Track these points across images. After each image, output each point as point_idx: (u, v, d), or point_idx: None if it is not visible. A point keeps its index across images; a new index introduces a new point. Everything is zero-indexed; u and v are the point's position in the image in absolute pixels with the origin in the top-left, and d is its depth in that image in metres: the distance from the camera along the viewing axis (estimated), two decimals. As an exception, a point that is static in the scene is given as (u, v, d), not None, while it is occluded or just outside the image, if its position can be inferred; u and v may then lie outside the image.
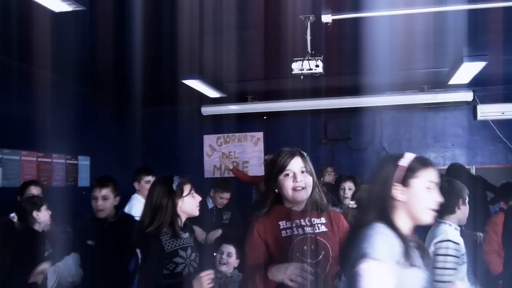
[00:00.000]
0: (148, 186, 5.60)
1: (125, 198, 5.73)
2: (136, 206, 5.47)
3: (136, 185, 5.73)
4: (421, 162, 2.23)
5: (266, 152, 9.28)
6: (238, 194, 7.03)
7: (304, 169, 2.70)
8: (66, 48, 5.73)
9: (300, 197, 2.67)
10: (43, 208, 4.74)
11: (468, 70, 6.80)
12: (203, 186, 8.76)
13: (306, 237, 2.61)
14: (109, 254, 4.12)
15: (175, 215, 3.20)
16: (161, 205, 3.17)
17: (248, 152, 9.69)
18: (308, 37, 5.05)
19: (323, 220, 2.73)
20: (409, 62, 6.82)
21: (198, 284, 2.97)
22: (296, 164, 2.69)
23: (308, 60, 4.99)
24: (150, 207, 3.21)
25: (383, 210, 2.13)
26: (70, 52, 5.87)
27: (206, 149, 9.88)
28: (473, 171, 8.65)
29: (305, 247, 2.58)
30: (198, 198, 3.40)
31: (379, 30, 5.24)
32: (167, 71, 6.59)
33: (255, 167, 9.36)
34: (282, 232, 2.64)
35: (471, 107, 8.81)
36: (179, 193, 3.24)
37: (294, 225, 2.66)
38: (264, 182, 2.89)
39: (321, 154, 9.11)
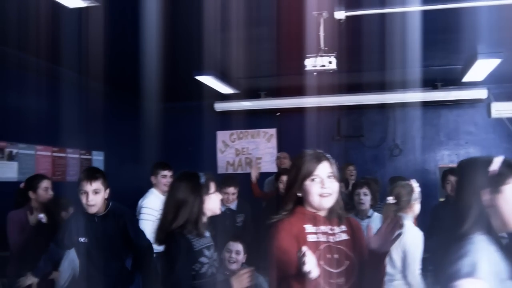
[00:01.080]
0: (164, 180, 5.70)
1: (138, 194, 5.79)
2: (150, 199, 5.60)
3: (152, 179, 5.75)
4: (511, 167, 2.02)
5: (279, 148, 9.30)
6: (250, 197, 6.98)
7: (331, 174, 2.56)
8: (81, 44, 5.76)
9: (327, 204, 2.54)
10: (71, 208, 4.95)
11: (483, 67, 6.77)
12: (216, 183, 8.86)
13: (330, 246, 2.48)
14: (104, 251, 3.97)
15: (201, 212, 3.07)
16: (187, 201, 3.04)
17: (261, 149, 9.71)
18: (321, 34, 5.06)
19: (343, 227, 2.60)
20: (422, 59, 6.78)
21: (238, 282, 2.92)
22: (323, 169, 2.55)
23: (321, 56, 4.99)
24: (174, 203, 3.07)
25: (479, 221, 1.98)
26: (84, 48, 5.91)
27: (219, 145, 9.91)
28: (487, 169, 8.60)
29: (330, 256, 2.44)
30: (220, 196, 3.33)
31: (392, 27, 5.24)
32: (181, 67, 6.61)
33: (268, 164, 9.38)
34: (308, 236, 2.49)
35: (485, 104, 8.75)
36: (206, 190, 3.14)
37: (319, 231, 2.52)
38: (286, 186, 2.69)
39: (334, 151, 8.89)
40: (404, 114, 9.14)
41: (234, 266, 4.40)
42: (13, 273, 4.87)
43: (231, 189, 6.09)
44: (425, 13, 4.90)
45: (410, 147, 9.12)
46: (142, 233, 4.27)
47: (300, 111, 9.14)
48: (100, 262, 3.95)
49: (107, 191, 4.09)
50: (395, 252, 4.10)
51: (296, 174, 2.59)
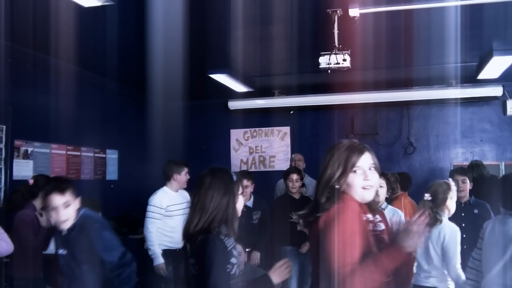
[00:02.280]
0: (185, 178, 5.82)
1: (152, 192, 5.82)
2: (156, 197, 5.73)
3: (176, 176, 5.82)
4: None
5: (293, 146, 9.31)
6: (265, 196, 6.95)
7: (373, 165, 2.51)
8: (95, 42, 5.80)
9: (369, 196, 2.49)
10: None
11: (498, 65, 6.72)
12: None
13: (380, 235, 2.46)
14: (82, 264, 3.56)
15: (234, 212, 2.89)
16: (221, 200, 2.84)
17: (275, 147, 9.70)
18: (336, 31, 5.05)
19: (378, 218, 2.57)
20: (437, 56, 6.76)
21: (276, 275, 2.87)
22: (365, 161, 2.49)
23: (336, 54, 4.99)
24: (207, 201, 2.84)
25: None
26: (99, 47, 5.94)
27: (233, 143, 9.92)
28: (502, 168, 8.56)
29: (380, 245, 2.38)
30: (243, 200, 3.15)
31: (406, 24, 5.22)
32: (195, 65, 6.61)
33: (282, 162, 9.38)
34: (365, 223, 2.43)
35: (501, 102, 8.69)
36: (237, 189, 2.96)
37: (368, 218, 2.47)
38: (323, 179, 2.55)
39: (348, 149, 9.07)
40: (419, 111, 9.10)
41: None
42: (23, 277, 4.89)
43: (244, 181, 5.83)
44: (440, 10, 4.88)
45: (424, 145, 9.08)
46: (113, 248, 3.65)
47: (314, 109, 9.15)
48: (80, 275, 3.58)
49: (78, 200, 3.64)
50: (432, 249, 4.18)
51: (337, 166, 2.51)
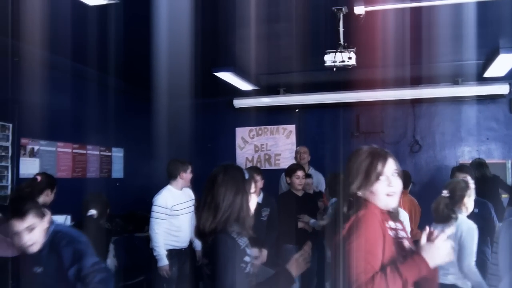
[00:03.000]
0: (190, 176, 5.80)
1: (157, 190, 5.81)
2: (161, 196, 5.68)
3: (182, 174, 5.81)
4: None
5: (298, 144, 9.27)
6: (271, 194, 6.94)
7: (396, 171, 2.45)
8: (101, 41, 5.80)
9: (393, 203, 2.44)
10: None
11: (505, 62, 6.71)
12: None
13: (402, 242, 2.40)
14: (58, 282, 3.23)
15: (247, 210, 2.83)
16: (234, 198, 2.77)
17: (280, 145, 9.70)
18: (341, 29, 5.04)
19: (399, 225, 2.51)
20: (443, 54, 6.74)
21: (295, 268, 2.80)
22: (389, 167, 2.43)
23: (341, 52, 4.98)
24: (218, 200, 2.76)
25: None
26: (104, 46, 5.95)
27: (238, 141, 9.92)
28: (508, 166, 8.54)
29: (403, 252, 2.34)
30: (256, 198, 3.06)
31: (412, 22, 5.21)
32: (200, 64, 6.62)
33: (287, 160, 9.36)
34: (388, 231, 2.37)
35: (507, 100, 8.65)
36: (249, 188, 2.88)
37: (390, 226, 2.42)
38: (347, 187, 2.47)
39: (354, 147, 8.98)
40: (424, 109, 9.08)
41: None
42: None
43: (256, 177, 5.64)
44: (446, 8, 4.87)
45: (430, 143, 9.06)
46: (84, 258, 3.22)
47: (320, 107, 9.14)
48: None
49: (47, 218, 3.22)
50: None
51: (360, 174, 2.43)
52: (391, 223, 2.42)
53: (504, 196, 6.87)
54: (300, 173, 6.23)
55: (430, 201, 4.43)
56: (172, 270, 5.62)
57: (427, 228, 2.35)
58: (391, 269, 2.19)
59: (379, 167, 2.41)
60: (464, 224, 4.19)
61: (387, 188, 2.40)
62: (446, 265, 4.09)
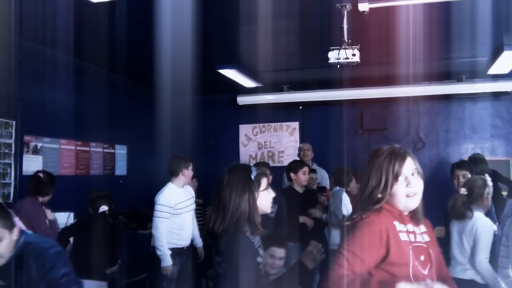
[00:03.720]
0: (192, 173, 5.76)
1: (161, 188, 5.79)
2: (164, 195, 5.59)
3: (184, 171, 5.73)
4: None
5: (302, 142, 9.26)
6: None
7: (415, 171, 2.36)
8: (104, 38, 5.79)
9: (413, 204, 2.35)
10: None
11: (509, 59, 6.65)
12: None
13: (421, 246, 2.30)
14: None
15: (255, 210, 2.83)
16: (240, 198, 2.79)
17: (284, 142, 9.70)
18: (345, 26, 5.02)
19: (423, 228, 2.41)
20: (447, 51, 6.72)
21: (309, 260, 2.79)
22: (408, 167, 2.34)
23: (345, 49, 4.96)
24: (225, 198, 2.80)
25: None
26: (108, 43, 5.94)
27: (242, 138, 9.92)
28: (512, 163, 8.53)
29: (422, 257, 2.27)
30: (272, 194, 3.06)
31: (416, 19, 5.18)
32: (204, 60, 6.61)
33: (291, 157, 9.32)
34: (400, 234, 2.28)
35: (511, 97, 8.63)
36: (256, 186, 2.89)
37: (407, 229, 2.33)
38: (366, 189, 2.39)
39: (357, 145, 9.06)
40: (428, 107, 9.06)
41: (273, 271, 4.04)
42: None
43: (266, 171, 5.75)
44: (450, 4, 4.85)
45: (433, 141, 9.04)
46: (54, 270, 2.86)
47: (323, 104, 9.12)
48: None
49: (15, 230, 2.85)
50: (466, 242, 4.25)
51: (379, 177, 2.35)
52: (410, 226, 2.34)
53: (504, 193, 6.84)
54: (306, 169, 6.22)
55: (433, 199, 4.40)
56: (173, 269, 5.57)
57: None
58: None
59: (397, 167, 2.33)
60: (480, 221, 4.23)
61: (406, 189, 2.32)
62: (464, 261, 4.23)
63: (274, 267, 4.02)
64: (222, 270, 2.70)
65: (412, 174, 2.34)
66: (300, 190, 6.26)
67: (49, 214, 5.18)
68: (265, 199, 2.95)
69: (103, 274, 5.00)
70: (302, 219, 6.18)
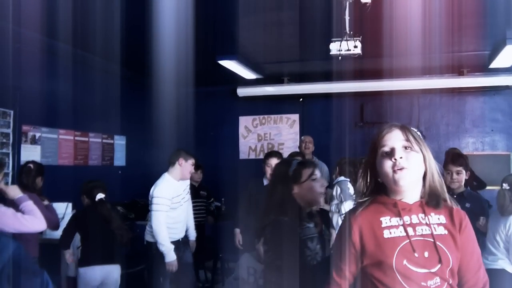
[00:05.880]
0: (191, 168, 5.59)
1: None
2: (161, 187, 5.41)
3: (181, 161, 5.52)
4: None
5: (302, 134, 9.23)
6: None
7: (406, 143, 2.05)
8: (102, 28, 5.75)
9: (401, 181, 1.99)
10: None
11: (511, 53, 6.62)
12: (238, 168, 8.86)
13: (419, 240, 1.98)
14: None
15: (289, 201, 2.91)
16: (278, 189, 2.96)
17: (284, 134, 9.67)
18: (347, 17, 4.98)
19: (442, 219, 2.05)
20: (449, 44, 6.68)
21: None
22: (395, 138, 2.06)
23: (347, 40, 4.92)
24: (272, 193, 2.99)
25: None
26: (106, 32, 5.90)
27: (242, 130, 9.89)
28: (513, 157, 8.52)
29: (416, 254, 1.95)
30: (322, 184, 3.04)
31: (418, 11, 5.15)
32: (204, 51, 6.58)
33: (290, 149, 9.29)
34: (384, 231, 2.01)
35: (512, 91, 8.61)
36: (297, 178, 2.97)
37: (401, 222, 2.01)
38: (363, 167, 2.17)
39: (358, 137, 9.03)
40: (429, 100, 9.03)
41: None
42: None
43: (274, 160, 5.47)
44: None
45: (434, 134, 9.01)
46: None
47: (324, 96, 9.09)
48: None
49: None
50: (498, 235, 4.38)
51: (369, 151, 2.14)
52: (408, 218, 2.02)
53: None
54: (273, 161, 5.85)
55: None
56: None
57: None
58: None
59: (381, 137, 2.08)
60: None
61: (391, 161, 2.02)
62: (496, 251, 4.39)
63: None
64: (269, 259, 2.81)
65: (403, 147, 2.05)
66: None
67: (44, 201, 5.18)
68: (307, 189, 2.99)
69: (117, 258, 5.09)
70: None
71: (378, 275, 1.99)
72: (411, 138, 2.08)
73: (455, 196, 4.80)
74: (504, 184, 4.40)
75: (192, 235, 5.96)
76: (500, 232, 4.34)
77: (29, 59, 6.21)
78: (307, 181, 2.98)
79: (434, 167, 2.10)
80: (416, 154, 2.06)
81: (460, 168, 4.93)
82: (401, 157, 2.01)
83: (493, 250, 4.40)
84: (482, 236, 4.54)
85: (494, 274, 4.18)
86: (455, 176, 4.88)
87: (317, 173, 3.04)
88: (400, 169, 2.00)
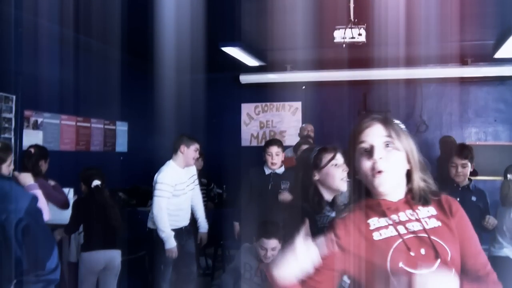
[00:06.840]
0: (194, 154, 5.50)
1: (161, 165, 5.71)
2: (165, 173, 5.36)
3: (183, 148, 5.41)
4: None
5: (304, 122, 9.20)
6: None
7: (388, 139, 1.82)
8: (105, 13, 5.73)
9: (382, 185, 1.79)
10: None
11: (516, 43, 6.59)
12: (240, 155, 8.85)
13: (412, 238, 1.78)
14: None
15: (310, 187, 2.87)
16: (300, 176, 2.96)
17: (286, 122, 9.66)
18: (351, 5, 4.95)
19: (432, 210, 1.86)
20: (453, 33, 6.63)
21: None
22: (376, 133, 1.84)
23: (351, 28, 4.89)
24: (295, 180, 3.05)
25: None
26: (110, 18, 5.87)
27: (244, 117, 9.88)
28: (516, 148, 8.51)
29: (412, 253, 1.74)
30: (344, 169, 2.88)
31: (422, 0, 5.11)
32: (207, 38, 6.55)
33: (292, 137, 9.30)
34: (374, 234, 1.80)
35: (516, 81, 8.58)
36: (317, 164, 2.89)
37: (390, 222, 1.81)
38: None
39: (360, 126, 9.00)
40: (432, 90, 9.00)
41: (268, 261, 3.93)
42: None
43: (274, 148, 5.48)
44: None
45: (437, 124, 8.99)
46: None
47: (326, 84, 9.05)
48: None
49: None
50: (505, 225, 4.54)
51: (348, 144, 1.92)
52: (396, 217, 1.82)
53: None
54: (273, 149, 5.61)
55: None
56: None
57: None
58: None
59: (359, 132, 1.86)
60: None
61: (369, 161, 1.81)
62: (502, 240, 4.56)
63: (267, 257, 3.93)
64: (285, 244, 2.78)
65: (386, 144, 1.82)
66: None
67: (51, 182, 5.29)
68: (328, 174, 2.90)
69: (119, 243, 5.16)
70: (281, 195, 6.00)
71: (373, 283, 1.79)
72: (393, 134, 1.84)
73: (460, 189, 4.75)
74: (508, 175, 4.47)
75: (203, 227, 5.88)
76: (506, 221, 4.50)
77: (31, 44, 6.19)
78: (327, 167, 2.90)
79: (418, 164, 1.88)
80: (397, 153, 1.83)
81: (465, 161, 4.77)
82: (380, 158, 1.79)
83: (499, 239, 4.56)
84: (484, 232, 4.56)
85: (499, 261, 4.39)
86: (460, 169, 4.74)
87: (339, 158, 2.92)
88: (379, 172, 1.78)
